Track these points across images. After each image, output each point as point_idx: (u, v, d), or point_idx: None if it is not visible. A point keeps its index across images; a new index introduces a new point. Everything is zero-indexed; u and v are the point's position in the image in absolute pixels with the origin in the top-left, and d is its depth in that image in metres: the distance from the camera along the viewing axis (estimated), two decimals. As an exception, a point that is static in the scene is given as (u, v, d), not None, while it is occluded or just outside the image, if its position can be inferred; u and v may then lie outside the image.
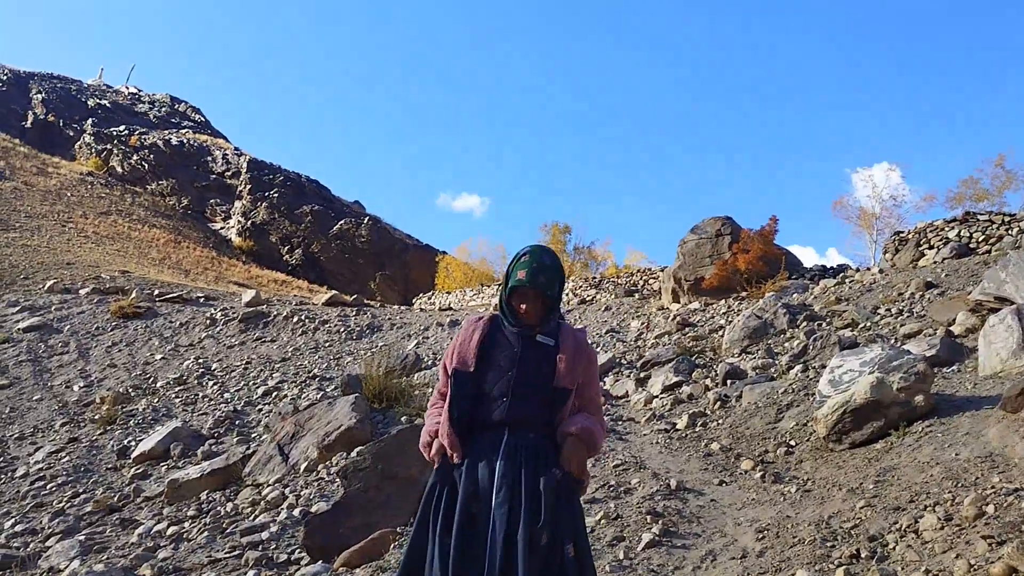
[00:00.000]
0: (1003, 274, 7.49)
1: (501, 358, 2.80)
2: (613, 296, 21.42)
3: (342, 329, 16.51)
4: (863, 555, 3.80)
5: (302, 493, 6.45)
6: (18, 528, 7.30)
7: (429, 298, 29.29)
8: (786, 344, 9.58)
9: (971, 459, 4.52)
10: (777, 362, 8.79)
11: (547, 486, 2.61)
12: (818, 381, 6.49)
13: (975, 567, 3.36)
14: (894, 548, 3.80)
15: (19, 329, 16.43)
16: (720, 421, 7.08)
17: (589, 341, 3.00)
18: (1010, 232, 13.92)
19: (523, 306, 2.79)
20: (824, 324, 9.96)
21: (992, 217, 14.65)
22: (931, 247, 14.74)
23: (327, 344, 15.43)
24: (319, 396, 10.71)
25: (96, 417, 11.23)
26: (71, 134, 46.63)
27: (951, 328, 7.71)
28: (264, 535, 5.60)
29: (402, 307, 24.47)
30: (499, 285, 3.82)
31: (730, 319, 12.83)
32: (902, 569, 3.59)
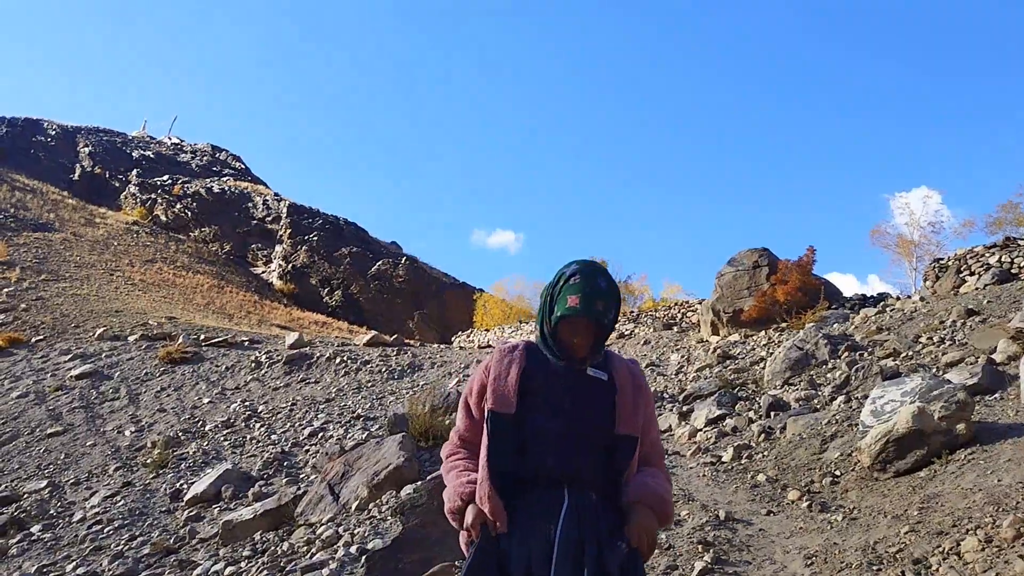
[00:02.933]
0: (1044, 300, 7.47)
1: (548, 397, 2.31)
2: (652, 330, 21.44)
3: (383, 369, 16.76)
4: (908, 577, 3.90)
5: (356, 531, 6.61)
6: (80, 571, 7.54)
7: (468, 336, 29.52)
8: (828, 375, 9.58)
9: (1012, 484, 4.60)
10: (820, 393, 8.80)
11: (611, 563, 2.15)
12: (861, 411, 6.53)
13: (1014, 585, 3.48)
14: (937, 570, 3.93)
15: (71, 377, 16.91)
16: (765, 453, 7.13)
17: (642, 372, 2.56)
18: (1052, 256, 13.80)
19: (575, 339, 2.31)
20: (866, 354, 9.95)
21: (1033, 242, 14.53)
22: (972, 273, 14.64)
23: (369, 384, 15.67)
24: (364, 436, 10.91)
25: (148, 461, 11.53)
26: (117, 185, 48.04)
27: (992, 356, 7.70)
28: (324, 572, 5.77)
29: (441, 346, 24.71)
30: (540, 311, 2.37)
31: (770, 351, 12.84)
32: (945, 589, 3.72)
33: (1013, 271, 13.98)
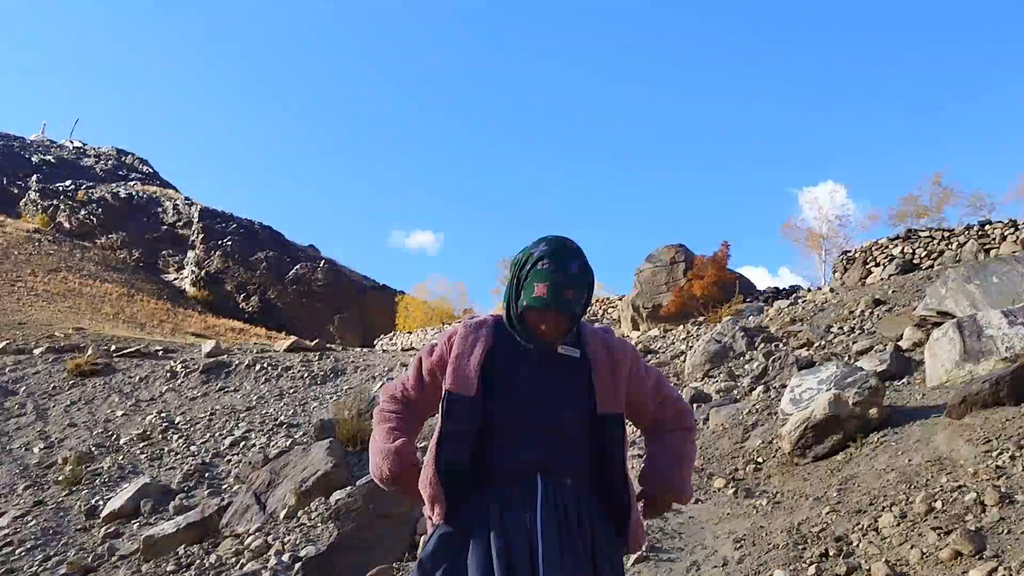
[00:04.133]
0: (943, 290, 7.90)
1: (516, 379, 2.10)
2: (573, 328, 21.67)
3: (306, 375, 16.47)
4: (831, 553, 4.19)
5: (287, 539, 6.49)
6: (-10, 595, 7.19)
7: (391, 339, 29.30)
8: (746, 366, 9.88)
9: (922, 463, 4.91)
10: (739, 384, 9.07)
11: (601, 555, 2.02)
12: (780, 400, 6.77)
13: (927, 555, 3.83)
14: (858, 545, 4.21)
15: (-28, 393, 16.07)
16: (689, 444, 7.31)
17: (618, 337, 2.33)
18: (950, 247, 14.56)
19: (542, 327, 2.09)
20: (781, 345, 10.31)
21: (932, 233, 15.32)
22: (877, 264, 15.34)
23: (291, 391, 15.38)
24: (288, 443, 10.71)
25: (60, 478, 11.04)
26: (15, 192, 45.83)
27: (899, 343, 8.09)
28: (256, 582, 5.65)
29: (364, 349, 24.44)
30: (506, 291, 2.22)
31: (690, 344, 13.15)
32: (865, 562, 4.01)
33: (915, 261, 14.71)
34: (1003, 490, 4.19)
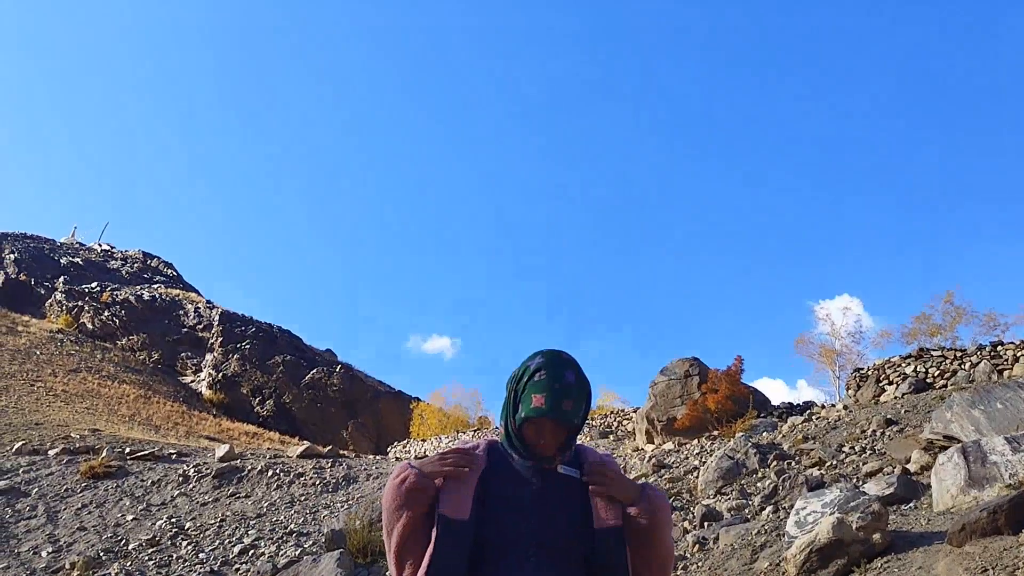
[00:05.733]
0: (948, 414, 7.97)
1: (511, 501, 2.06)
2: (588, 438, 21.61)
3: (318, 482, 16.43)
4: None
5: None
6: None
7: (404, 446, 29.15)
8: (758, 484, 9.86)
9: (923, 591, 4.85)
10: (750, 503, 9.05)
11: None
12: (787, 521, 6.78)
13: None
14: None
15: (-14, 493, 16.12)
16: (700, 564, 7.29)
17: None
18: (963, 367, 14.59)
19: (541, 441, 2.07)
20: (793, 463, 10.30)
21: (945, 352, 15.38)
22: (891, 383, 15.35)
23: (303, 498, 15.33)
24: (298, 553, 10.66)
25: (67, 584, 11.02)
26: (42, 292, 46.84)
27: (907, 466, 8.11)
28: None
29: (377, 457, 24.34)
30: (504, 407, 2.22)
31: (703, 459, 13.11)
32: None
33: (928, 380, 14.72)
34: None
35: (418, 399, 39.01)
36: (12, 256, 49.96)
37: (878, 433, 10.83)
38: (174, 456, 19.39)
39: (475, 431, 28.34)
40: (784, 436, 13.23)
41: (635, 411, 21.23)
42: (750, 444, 11.28)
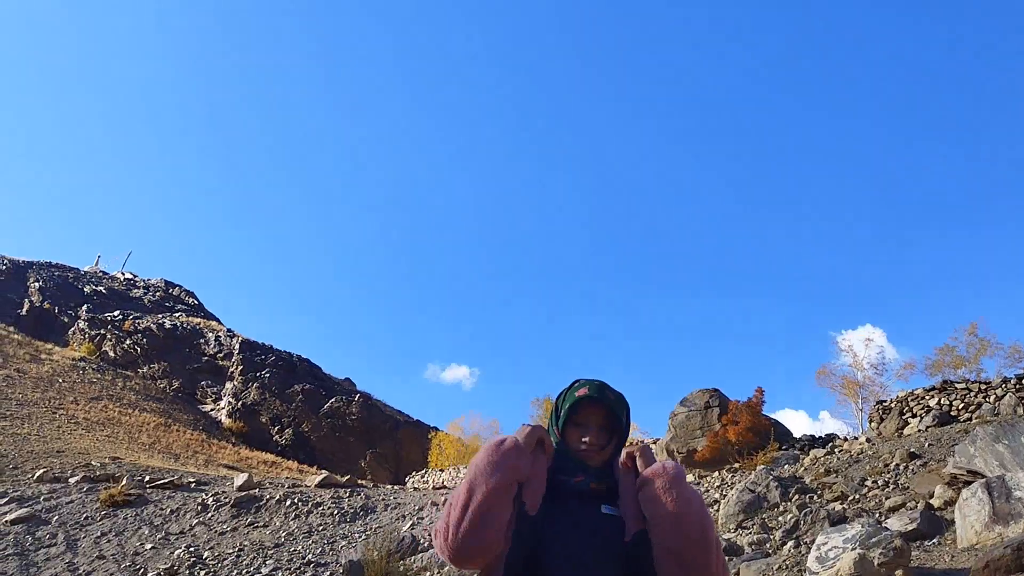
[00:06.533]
0: (972, 448, 7.86)
1: (559, 524, 2.08)
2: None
3: (336, 511, 16.39)
4: None
5: None
6: None
7: (422, 476, 29.05)
8: (779, 518, 9.74)
9: (948, 630, 4.75)
10: (771, 537, 8.94)
11: None
12: (809, 557, 6.68)
13: None
14: None
15: (6, 522, 16.19)
16: (718, 600, 7.19)
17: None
18: (988, 400, 14.40)
19: (587, 439, 2.13)
20: (815, 497, 10.17)
21: (969, 385, 15.19)
22: (914, 415, 15.16)
23: (320, 528, 15.29)
24: (315, 584, 10.63)
25: (85, 613, 11.02)
26: (66, 320, 47.40)
27: (931, 501, 7.99)
28: None
29: (395, 487, 24.26)
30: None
31: (724, 492, 12.97)
32: None
33: (952, 413, 14.53)
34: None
35: (436, 429, 38.94)
36: (37, 284, 50.68)
37: (901, 467, 10.69)
38: (193, 485, 19.43)
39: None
40: (806, 469, 13.07)
41: (654, 442, 21.06)
42: (771, 477, 11.16)
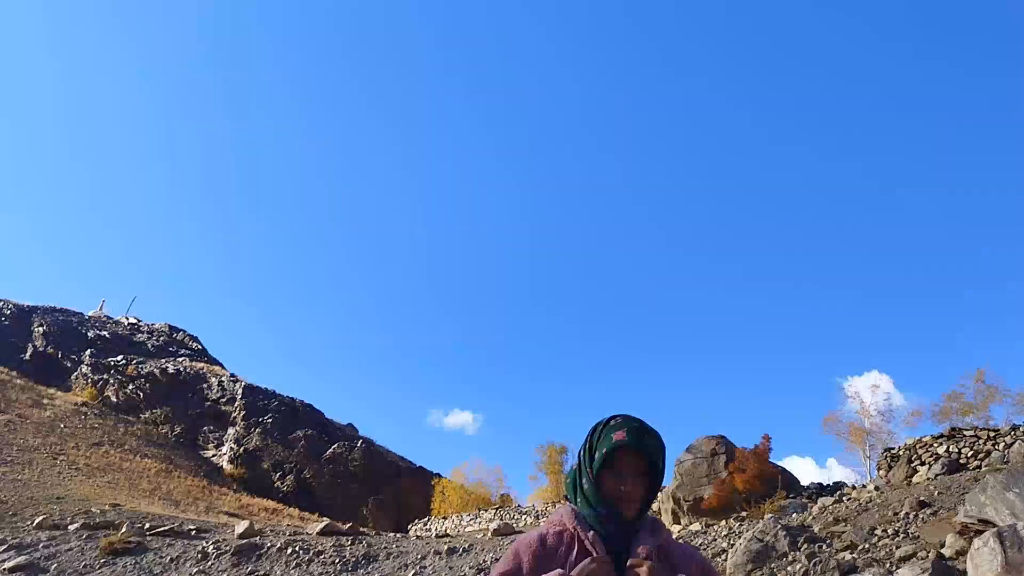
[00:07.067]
0: (983, 497, 7.77)
1: None
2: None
3: (337, 560, 16.19)
4: None
5: None
6: None
7: (425, 524, 28.71)
8: (789, 568, 9.59)
9: None
10: (780, 588, 8.80)
11: None
12: (820, 608, 6.56)
13: None
14: None
15: (4, 570, 16.02)
16: (727, 653, 7.04)
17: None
18: (997, 447, 14.25)
19: (623, 487, 2.01)
20: (824, 546, 10.02)
21: (978, 432, 15.04)
22: (923, 463, 15.00)
23: (322, 577, 15.09)
24: (316, 635, 10.45)
25: (82, 664, 10.83)
26: (69, 365, 47.35)
27: (942, 551, 7.87)
28: None
29: (398, 535, 23.96)
30: (572, 478, 2.10)
31: (731, 541, 12.79)
32: None
33: (961, 461, 14.38)
34: None
35: (439, 475, 38.58)
36: (40, 329, 50.73)
37: (911, 516, 10.55)
38: (193, 532, 19.22)
39: (496, 509, 27.85)
40: (815, 518, 12.90)
41: (661, 490, 20.88)
42: (780, 526, 11.00)
